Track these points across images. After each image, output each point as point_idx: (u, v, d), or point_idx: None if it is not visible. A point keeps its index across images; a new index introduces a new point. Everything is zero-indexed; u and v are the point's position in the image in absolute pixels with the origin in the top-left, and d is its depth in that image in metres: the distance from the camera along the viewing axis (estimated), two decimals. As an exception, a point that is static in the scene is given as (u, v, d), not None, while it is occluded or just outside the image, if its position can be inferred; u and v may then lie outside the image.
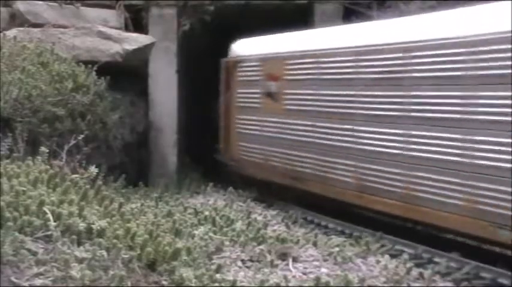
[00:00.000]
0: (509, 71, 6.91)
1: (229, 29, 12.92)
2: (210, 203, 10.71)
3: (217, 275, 5.84)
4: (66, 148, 8.09)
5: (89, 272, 4.85)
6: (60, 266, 4.89)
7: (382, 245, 8.34)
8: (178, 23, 13.90)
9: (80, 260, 5.01)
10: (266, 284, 6.15)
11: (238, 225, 8.49)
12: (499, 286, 7.24)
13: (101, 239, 5.34)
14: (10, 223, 5.01)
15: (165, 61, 13.67)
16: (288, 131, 10.80)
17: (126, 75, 11.83)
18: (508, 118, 6.91)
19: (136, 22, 13.63)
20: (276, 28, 11.18)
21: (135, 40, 12.40)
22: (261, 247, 7.50)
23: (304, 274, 7.01)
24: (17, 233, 5.01)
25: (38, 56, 9.73)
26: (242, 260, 7.19)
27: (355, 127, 9.20)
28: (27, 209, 5.35)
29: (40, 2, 12.62)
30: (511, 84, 6.89)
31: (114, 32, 12.29)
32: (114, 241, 5.32)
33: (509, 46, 6.90)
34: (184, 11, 13.98)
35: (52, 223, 5.26)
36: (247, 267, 7.00)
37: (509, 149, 6.88)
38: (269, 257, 7.23)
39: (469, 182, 7.41)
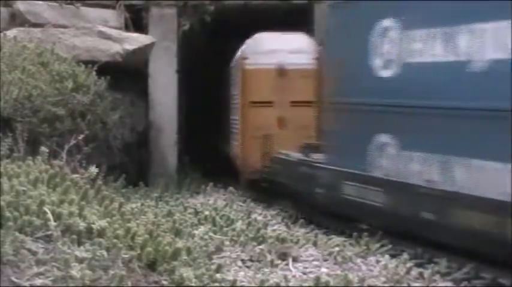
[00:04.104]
0: None
1: (229, 29, 12.92)
2: (210, 203, 10.71)
3: (217, 275, 5.84)
4: (66, 147, 8.08)
5: (89, 272, 4.85)
6: (61, 266, 4.89)
7: (382, 245, 8.32)
8: (178, 23, 13.90)
9: (80, 260, 5.01)
10: (266, 284, 6.14)
11: (238, 225, 8.49)
12: (499, 286, 7.24)
13: (101, 239, 5.34)
14: (10, 223, 5.01)
15: (165, 61, 13.67)
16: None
17: (126, 75, 11.82)
18: None
19: (137, 22, 13.63)
20: (276, 28, 11.17)
21: (135, 40, 12.40)
22: (261, 246, 7.51)
23: (304, 273, 7.01)
24: (17, 233, 5.01)
25: (38, 56, 9.73)
26: (242, 260, 7.19)
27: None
28: (27, 209, 5.35)
29: (40, 2, 12.61)
30: None
31: (114, 32, 12.29)
32: (114, 240, 5.32)
33: None
34: (184, 11, 13.98)
35: (52, 223, 5.26)
36: (247, 267, 7.01)
37: None
38: (269, 257, 7.23)
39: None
